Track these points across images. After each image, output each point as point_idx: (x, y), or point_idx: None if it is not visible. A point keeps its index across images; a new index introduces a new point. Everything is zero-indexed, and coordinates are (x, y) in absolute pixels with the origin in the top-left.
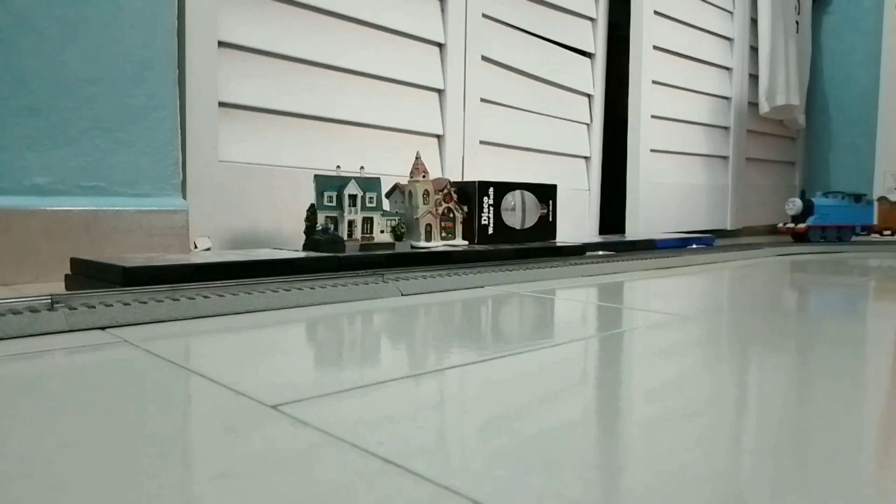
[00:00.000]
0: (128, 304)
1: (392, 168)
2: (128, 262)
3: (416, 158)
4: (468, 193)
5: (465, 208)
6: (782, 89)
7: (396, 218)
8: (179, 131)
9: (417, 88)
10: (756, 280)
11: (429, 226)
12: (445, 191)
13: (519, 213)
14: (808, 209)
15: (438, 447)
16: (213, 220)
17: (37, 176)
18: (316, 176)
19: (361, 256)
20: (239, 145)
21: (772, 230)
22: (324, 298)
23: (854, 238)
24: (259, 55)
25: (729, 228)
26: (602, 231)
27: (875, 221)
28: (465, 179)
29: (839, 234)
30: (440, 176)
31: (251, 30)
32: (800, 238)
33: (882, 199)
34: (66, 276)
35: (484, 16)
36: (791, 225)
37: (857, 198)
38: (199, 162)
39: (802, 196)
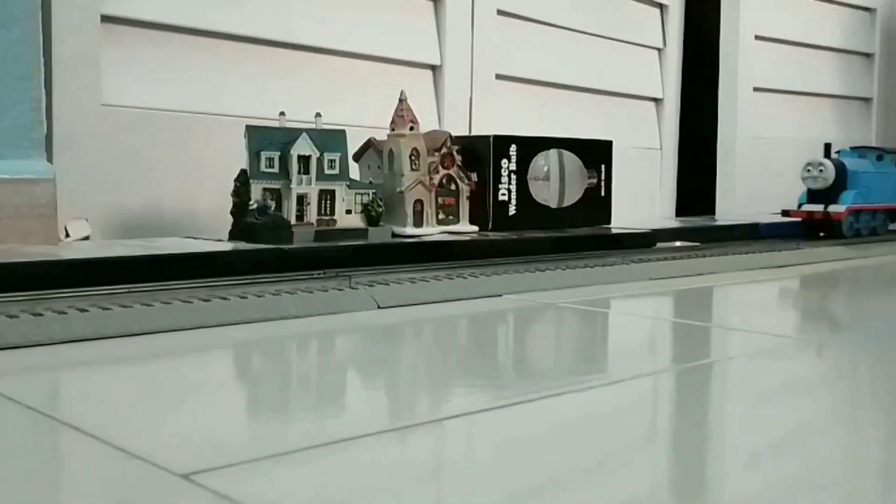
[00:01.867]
0: None
1: (363, 116)
2: None
3: (401, 101)
4: (478, 154)
5: (475, 176)
6: None
7: (370, 191)
8: (42, 60)
9: None
10: None
11: (419, 203)
12: (444, 150)
13: (555, 183)
14: (841, 178)
15: None
16: (93, 195)
17: None
18: (249, 128)
19: (318, 250)
20: (132, 81)
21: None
22: (261, 313)
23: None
24: None
25: None
26: (680, 211)
27: None
28: (473, 133)
29: (874, 224)
30: (436, 128)
31: None
32: (827, 230)
33: None
34: None
35: None
36: (812, 208)
37: None
38: (71, 106)
39: (828, 153)
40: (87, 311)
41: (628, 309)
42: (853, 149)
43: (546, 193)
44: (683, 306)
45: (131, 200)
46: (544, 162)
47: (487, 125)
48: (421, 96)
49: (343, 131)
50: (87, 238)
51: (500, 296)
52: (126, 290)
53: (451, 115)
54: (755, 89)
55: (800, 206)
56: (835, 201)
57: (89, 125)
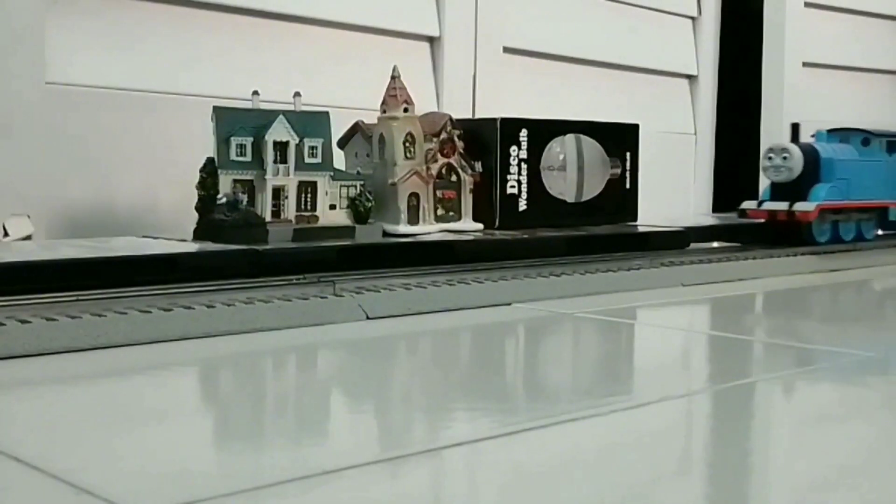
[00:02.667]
0: None
1: (349, 96)
2: None
3: (393, 79)
4: (483, 140)
5: (479, 166)
6: None
7: (358, 183)
8: None
9: None
10: None
11: (414, 197)
12: (444, 135)
13: (572, 174)
14: (811, 167)
15: None
16: (36, 187)
17: None
18: (217, 109)
19: (297, 251)
20: (81, 55)
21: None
22: (231, 325)
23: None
24: None
25: None
26: (718, 206)
27: None
28: (477, 115)
29: (859, 227)
30: (434, 110)
31: None
32: (793, 235)
33: None
34: None
35: None
36: (775, 206)
37: (892, 144)
38: (10, 85)
39: (796, 137)
40: (28, 322)
41: (657, 320)
42: (833, 131)
43: (562, 186)
44: (721, 316)
45: (80, 194)
46: (560, 149)
47: (494, 106)
48: (417, 72)
49: (326, 113)
50: (28, 237)
51: (509, 304)
52: (74, 298)
53: (452, 95)
54: (804, 64)
55: (760, 203)
56: (803, 198)
57: (31, 107)
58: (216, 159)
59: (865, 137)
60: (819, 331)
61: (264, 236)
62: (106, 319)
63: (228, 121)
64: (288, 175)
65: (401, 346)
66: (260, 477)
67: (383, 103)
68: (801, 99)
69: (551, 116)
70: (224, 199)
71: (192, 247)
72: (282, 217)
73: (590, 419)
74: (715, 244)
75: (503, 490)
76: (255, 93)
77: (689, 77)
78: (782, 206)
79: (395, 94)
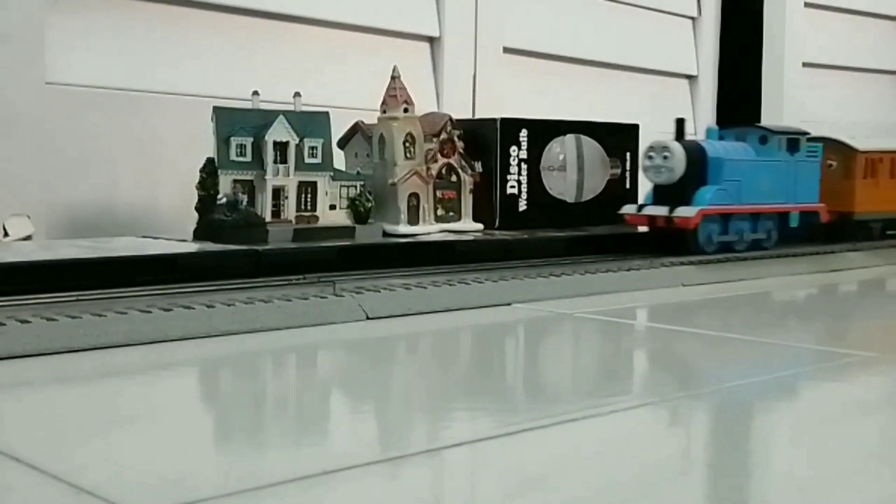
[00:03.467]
0: None
1: (350, 96)
2: None
3: (393, 79)
4: (484, 140)
5: (479, 166)
6: None
7: (358, 183)
8: None
9: None
10: None
11: (414, 197)
12: (444, 135)
13: (572, 174)
14: (696, 168)
15: None
16: (36, 187)
17: None
18: (217, 109)
19: (297, 251)
20: (81, 55)
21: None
22: (231, 325)
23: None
24: None
25: None
26: None
27: (818, 201)
28: (477, 116)
29: (755, 235)
30: (434, 110)
31: None
32: (675, 244)
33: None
34: None
35: None
36: (656, 211)
37: (792, 142)
38: (10, 85)
39: (681, 134)
40: (28, 322)
41: (657, 320)
42: (727, 128)
43: (562, 186)
44: (722, 316)
45: (80, 194)
46: (560, 149)
47: (494, 106)
48: (417, 73)
49: (326, 114)
50: (28, 238)
51: (509, 305)
52: (74, 298)
53: (452, 95)
54: (805, 65)
55: (640, 208)
56: (687, 202)
57: (31, 107)
58: (216, 159)
59: (763, 135)
60: (842, 330)
61: (264, 236)
62: (106, 319)
63: (228, 121)
64: (288, 175)
65: (400, 346)
66: (260, 477)
67: (383, 103)
68: (801, 99)
69: (551, 116)
70: (224, 199)
71: (192, 247)
72: (282, 217)
73: (590, 419)
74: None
75: (503, 490)
76: (255, 93)
77: (689, 77)
78: (662, 210)
79: (395, 95)
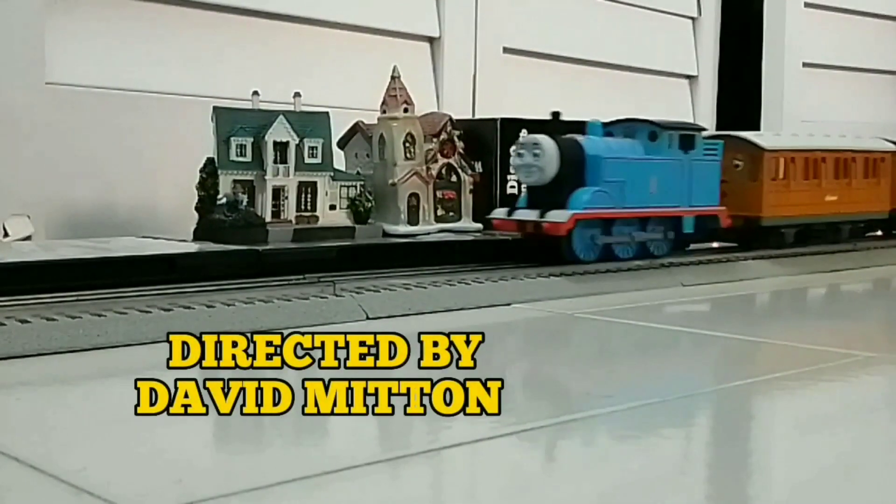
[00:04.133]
0: None
1: (350, 96)
2: None
3: (393, 79)
4: (484, 140)
5: (479, 166)
6: None
7: (358, 183)
8: None
9: None
10: None
11: (414, 197)
12: (444, 136)
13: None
14: (572, 167)
15: None
16: (36, 187)
17: None
18: (217, 110)
19: (297, 251)
20: (82, 56)
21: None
22: (231, 325)
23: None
24: None
25: None
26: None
27: (718, 204)
28: (477, 116)
29: (642, 240)
30: (434, 110)
31: None
32: (551, 251)
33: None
34: None
35: None
36: (526, 215)
37: (686, 139)
38: (10, 85)
39: (557, 126)
40: (28, 322)
41: (656, 319)
42: (614, 123)
43: None
44: (719, 316)
45: (80, 194)
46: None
47: (494, 106)
48: (417, 73)
49: (326, 114)
50: (28, 238)
51: (509, 305)
52: (74, 299)
53: (452, 95)
54: (805, 65)
55: (512, 212)
56: (562, 205)
57: (31, 107)
58: (216, 159)
59: (652, 131)
60: (839, 328)
61: (264, 236)
62: (106, 319)
63: (228, 121)
64: (288, 175)
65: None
66: (260, 477)
67: (383, 103)
68: (801, 99)
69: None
70: (224, 199)
71: (192, 247)
72: (282, 217)
73: (590, 420)
74: (715, 245)
75: (503, 489)
76: (255, 93)
77: (689, 77)
78: (532, 215)
79: (395, 95)
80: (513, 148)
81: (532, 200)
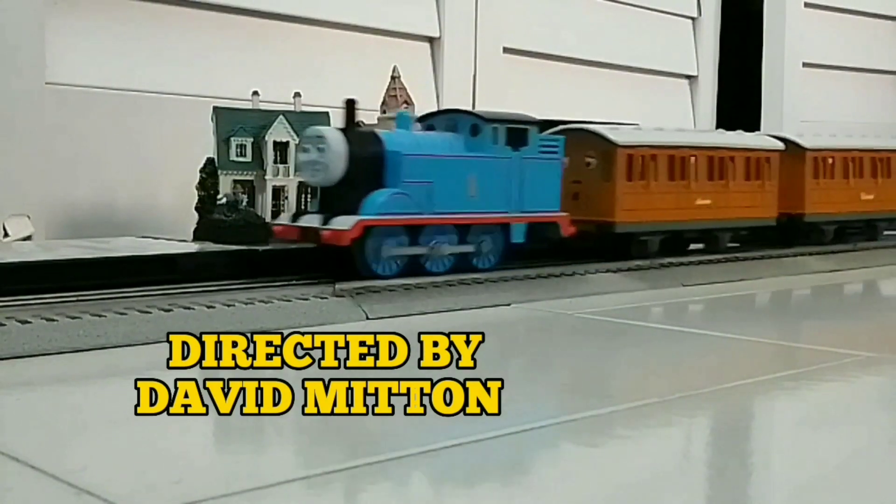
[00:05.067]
0: None
1: (349, 95)
2: None
3: (393, 79)
4: None
5: None
6: None
7: None
8: None
9: None
10: None
11: None
12: None
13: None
14: (366, 165)
15: None
16: (36, 188)
17: None
18: (217, 110)
19: (297, 251)
20: (81, 56)
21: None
22: (231, 325)
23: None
24: None
25: None
26: None
27: (558, 209)
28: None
29: (467, 254)
30: (434, 111)
31: None
32: (344, 261)
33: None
34: None
35: None
36: (311, 221)
37: (515, 134)
38: (10, 85)
39: (351, 120)
40: (28, 322)
41: (657, 319)
42: (432, 115)
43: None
44: (714, 315)
45: (80, 194)
46: None
47: (494, 106)
48: (417, 73)
49: (326, 114)
50: (28, 238)
51: (509, 305)
52: (74, 299)
53: (452, 95)
54: (805, 65)
55: (297, 216)
56: (353, 209)
57: (31, 107)
58: (216, 159)
59: (474, 124)
60: (834, 328)
61: (264, 237)
62: (106, 319)
63: (228, 121)
64: (288, 175)
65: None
66: (260, 477)
67: (383, 103)
68: (801, 99)
69: (550, 117)
70: (224, 199)
71: (192, 247)
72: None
73: (589, 419)
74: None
75: (503, 489)
76: (255, 93)
77: (689, 77)
78: (316, 221)
79: (395, 94)
80: (299, 142)
81: (322, 204)
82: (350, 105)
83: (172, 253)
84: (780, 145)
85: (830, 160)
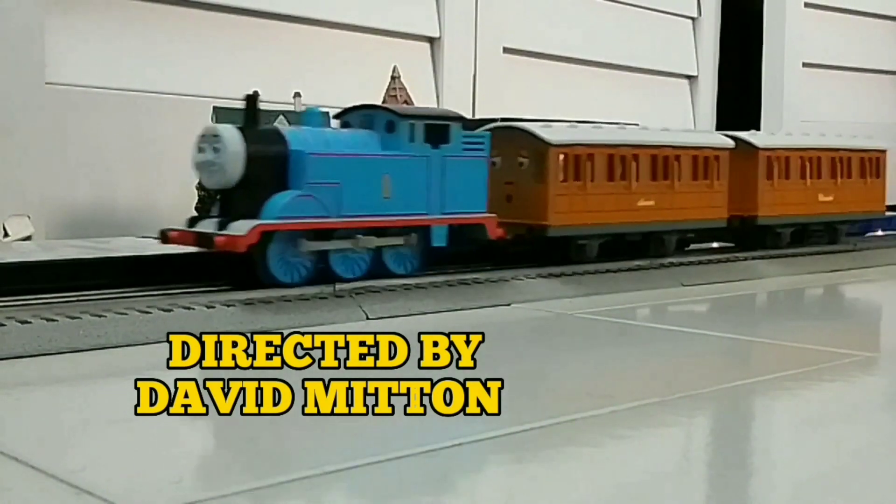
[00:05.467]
0: None
1: (349, 96)
2: None
3: (393, 79)
4: None
5: None
6: None
7: None
8: None
9: None
10: None
11: None
12: None
13: None
14: (268, 165)
15: None
16: (36, 188)
17: None
18: (217, 110)
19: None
20: (81, 56)
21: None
22: (231, 325)
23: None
24: None
25: None
26: None
27: (485, 208)
28: (477, 116)
29: (375, 259)
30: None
31: None
32: (246, 271)
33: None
34: None
35: None
36: (207, 227)
37: (435, 130)
38: (10, 86)
39: (252, 116)
40: (28, 322)
41: (656, 319)
42: (349, 111)
43: None
44: (718, 315)
45: (80, 194)
46: None
47: (494, 106)
48: (417, 73)
49: (326, 114)
50: (28, 238)
51: (509, 305)
52: (74, 299)
53: (452, 95)
54: (805, 65)
55: (195, 221)
56: (254, 213)
57: (31, 107)
58: None
59: (390, 121)
60: (837, 329)
61: None
62: (106, 320)
63: (228, 121)
64: None
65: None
66: (260, 477)
67: (383, 103)
68: (800, 99)
69: (551, 117)
70: None
71: (192, 247)
72: None
73: (588, 419)
74: (715, 245)
75: (503, 489)
76: (256, 93)
77: (689, 77)
78: (213, 226)
79: (395, 94)
80: (196, 141)
81: (222, 208)
82: (251, 100)
83: (172, 253)
84: (730, 144)
85: (785, 160)
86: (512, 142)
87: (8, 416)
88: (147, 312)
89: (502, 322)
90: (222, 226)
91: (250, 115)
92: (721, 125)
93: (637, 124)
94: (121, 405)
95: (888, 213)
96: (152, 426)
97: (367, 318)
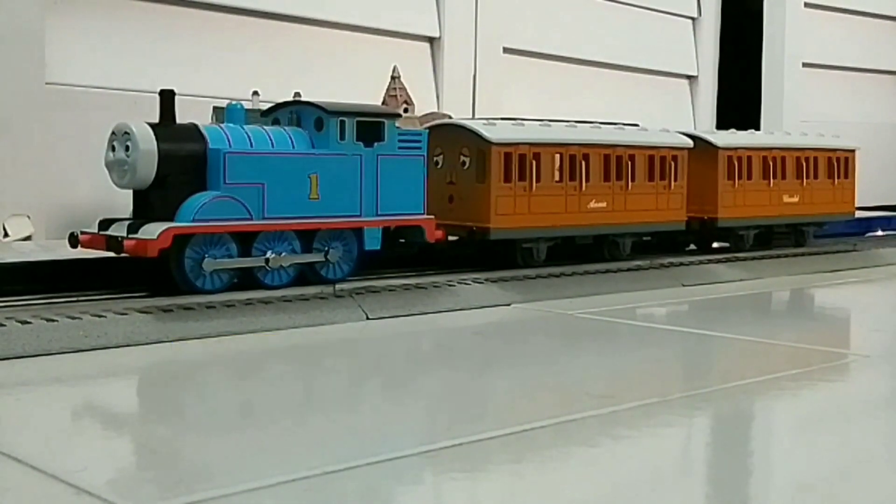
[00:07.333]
0: None
1: (349, 96)
2: None
3: (393, 79)
4: None
5: None
6: None
7: None
8: None
9: None
10: None
11: None
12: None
13: None
14: (184, 165)
15: None
16: (36, 187)
17: None
18: (217, 110)
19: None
20: (82, 56)
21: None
22: (230, 326)
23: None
24: None
25: None
26: None
27: (423, 210)
28: (477, 116)
29: (314, 263)
30: (434, 110)
31: None
32: (163, 275)
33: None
34: None
35: None
36: (119, 230)
37: (367, 128)
38: (10, 85)
39: (168, 112)
40: (28, 322)
41: (656, 319)
42: (277, 108)
43: None
44: (715, 315)
45: (80, 194)
46: None
47: (494, 106)
48: (417, 73)
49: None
50: (28, 238)
51: (509, 305)
52: (74, 299)
53: (452, 95)
54: (804, 65)
55: (107, 225)
56: (168, 216)
57: (31, 106)
58: None
59: (318, 117)
60: (845, 328)
61: None
62: (106, 320)
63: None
64: None
65: (400, 346)
66: (260, 477)
67: (383, 103)
68: (800, 100)
69: (551, 117)
70: None
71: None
72: None
73: (588, 420)
74: (714, 245)
75: (504, 489)
76: (255, 93)
77: (689, 77)
78: (123, 229)
79: (395, 94)
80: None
81: (136, 210)
82: (166, 96)
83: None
84: (689, 143)
85: (748, 159)
86: (454, 140)
87: (8, 416)
88: (147, 312)
89: (500, 322)
90: (134, 229)
91: (166, 112)
92: (721, 125)
93: (637, 124)
94: (121, 405)
95: (888, 214)
96: (153, 426)
97: (368, 319)
